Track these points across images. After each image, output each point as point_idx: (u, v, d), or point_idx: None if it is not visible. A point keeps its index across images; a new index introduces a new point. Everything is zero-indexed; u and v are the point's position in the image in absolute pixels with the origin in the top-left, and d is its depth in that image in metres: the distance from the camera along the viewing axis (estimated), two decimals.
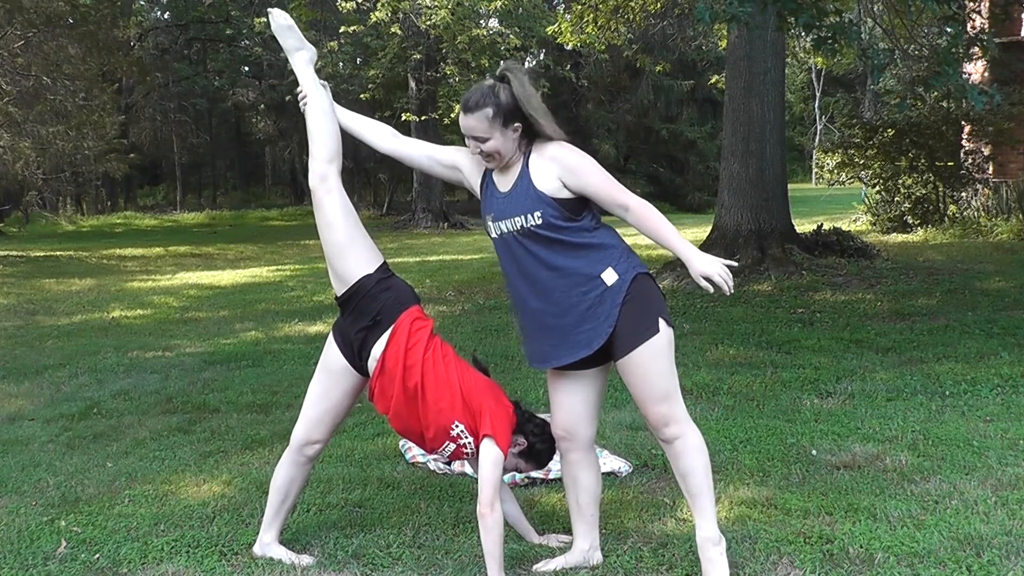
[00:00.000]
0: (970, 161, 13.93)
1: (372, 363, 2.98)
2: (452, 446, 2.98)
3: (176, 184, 34.37)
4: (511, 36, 19.57)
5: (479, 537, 2.88)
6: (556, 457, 3.16)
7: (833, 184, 15.79)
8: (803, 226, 11.36)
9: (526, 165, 2.86)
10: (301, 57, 3.22)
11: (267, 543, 3.17)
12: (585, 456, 3.03)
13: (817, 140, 36.56)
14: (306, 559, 3.12)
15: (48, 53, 16.44)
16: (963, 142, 14.03)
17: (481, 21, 20.02)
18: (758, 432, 4.42)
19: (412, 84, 21.54)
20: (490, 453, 2.89)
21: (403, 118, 20.00)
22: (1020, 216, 12.68)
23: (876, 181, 14.27)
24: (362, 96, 20.43)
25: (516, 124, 2.83)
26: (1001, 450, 4.06)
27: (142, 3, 30.62)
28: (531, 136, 2.87)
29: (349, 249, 3.04)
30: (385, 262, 3.09)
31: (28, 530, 3.44)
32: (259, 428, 4.84)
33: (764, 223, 9.84)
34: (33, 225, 23.36)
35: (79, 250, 17.39)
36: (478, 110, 2.81)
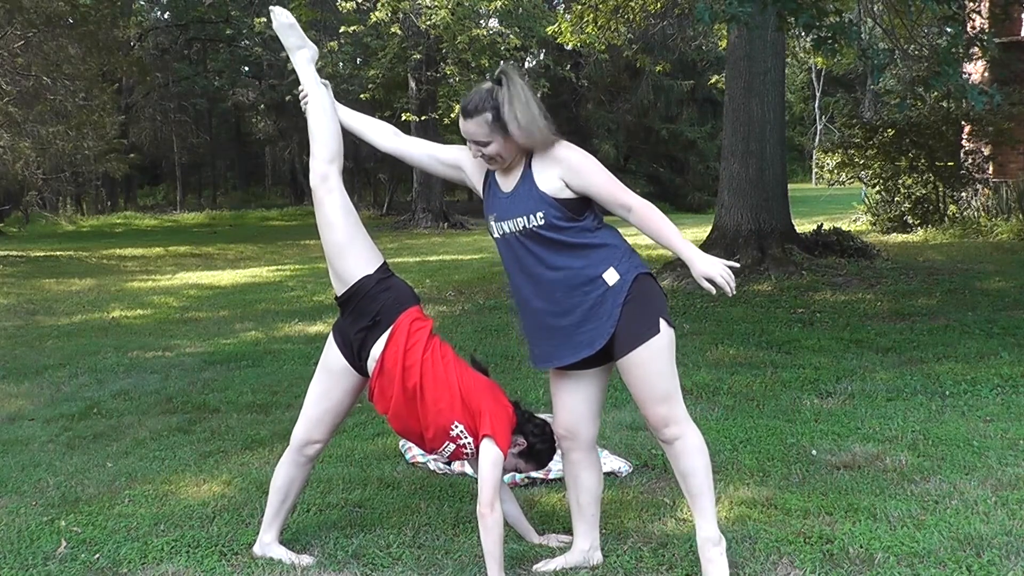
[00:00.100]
0: (970, 161, 13.93)
1: (371, 363, 2.99)
2: (452, 446, 2.98)
3: (176, 184, 34.37)
4: (511, 36, 19.57)
5: (479, 537, 2.88)
6: (556, 457, 3.16)
7: (833, 184, 15.79)
8: (803, 226, 11.36)
9: (528, 165, 2.85)
10: (302, 56, 3.22)
11: (267, 543, 3.17)
12: (587, 456, 3.03)
13: (817, 140, 36.57)
14: (306, 559, 3.12)
15: (48, 53, 16.44)
16: (963, 142, 14.03)
17: (481, 21, 20.03)
18: (758, 432, 4.42)
19: (412, 84, 21.55)
20: (490, 453, 2.89)
21: (403, 118, 20.00)
22: (1020, 216, 12.68)
23: (876, 181, 14.27)
24: (362, 96, 20.44)
25: None
26: (1001, 450, 4.06)
27: (142, 3, 30.63)
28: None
29: (349, 249, 3.04)
30: (385, 262, 3.09)
31: (28, 530, 3.44)
32: (259, 428, 4.84)
33: (764, 223, 9.84)
34: (33, 225, 23.36)
35: (79, 250, 17.39)
36: (477, 115, 2.80)
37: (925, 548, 3.04)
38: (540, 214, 2.80)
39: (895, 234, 13.46)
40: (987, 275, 9.25)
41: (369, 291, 3.00)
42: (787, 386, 5.37)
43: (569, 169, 2.81)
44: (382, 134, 3.20)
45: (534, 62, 27.32)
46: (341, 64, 22.62)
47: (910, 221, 13.75)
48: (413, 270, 11.90)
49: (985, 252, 11.01)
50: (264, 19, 19.30)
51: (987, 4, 12.61)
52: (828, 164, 15.06)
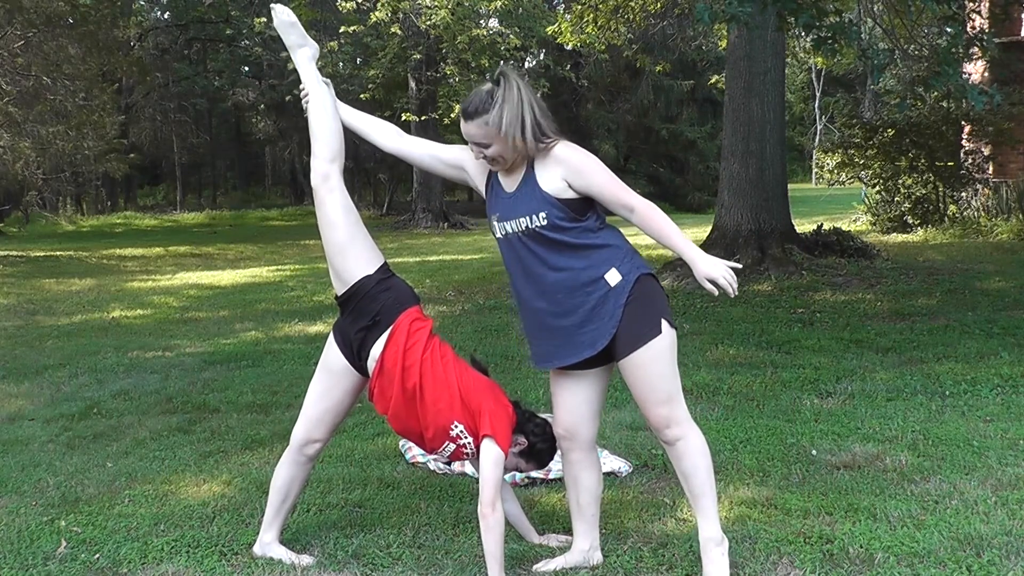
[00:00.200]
0: (970, 161, 13.93)
1: (371, 363, 2.99)
2: (452, 446, 2.98)
3: (176, 184, 34.37)
4: (511, 36, 19.57)
5: (479, 537, 2.88)
6: (556, 457, 3.16)
7: (833, 184, 15.79)
8: (803, 226, 11.36)
9: (531, 166, 2.85)
10: (304, 54, 3.21)
11: (267, 543, 3.17)
12: (586, 456, 3.03)
13: (817, 140, 36.57)
14: (306, 559, 3.12)
15: (48, 53, 16.44)
16: (963, 142, 14.03)
17: (481, 21, 20.03)
18: (758, 432, 4.42)
19: (412, 84, 21.55)
20: (490, 453, 2.89)
21: (403, 118, 20.01)
22: (1020, 216, 12.68)
23: (876, 181, 14.28)
24: (362, 96, 20.44)
25: None
26: (1001, 450, 4.06)
27: (142, 3, 30.62)
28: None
29: (350, 249, 3.04)
30: (385, 262, 3.09)
31: (28, 530, 3.44)
32: (259, 428, 4.84)
33: (764, 223, 9.84)
34: (33, 225, 23.36)
35: (79, 250, 17.39)
36: (477, 117, 2.80)
37: (925, 548, 3.04)
38: (543, 214, 2.79)
39: (895, 234, 13.46)
40: (987, 275, 9.25)
41: (369, 291, 3.00)
42: (787, 386, 5.37)
43: (571, 169, 2.80)
44: (385, 134, 3.19)
45: (534, 62, 27.32)
46: (341, 64, 22.63)
47: (910, 221, 13.75)
48: (413, 270, 11.90)
49: (985, 252, 11.01)
50: (264, 19, 19.30)
51: (987, 4, 12.62)
52: (828, 164, 15.06)
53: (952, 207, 13.68)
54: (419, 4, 18.07)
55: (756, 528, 3.25)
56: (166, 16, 32.45)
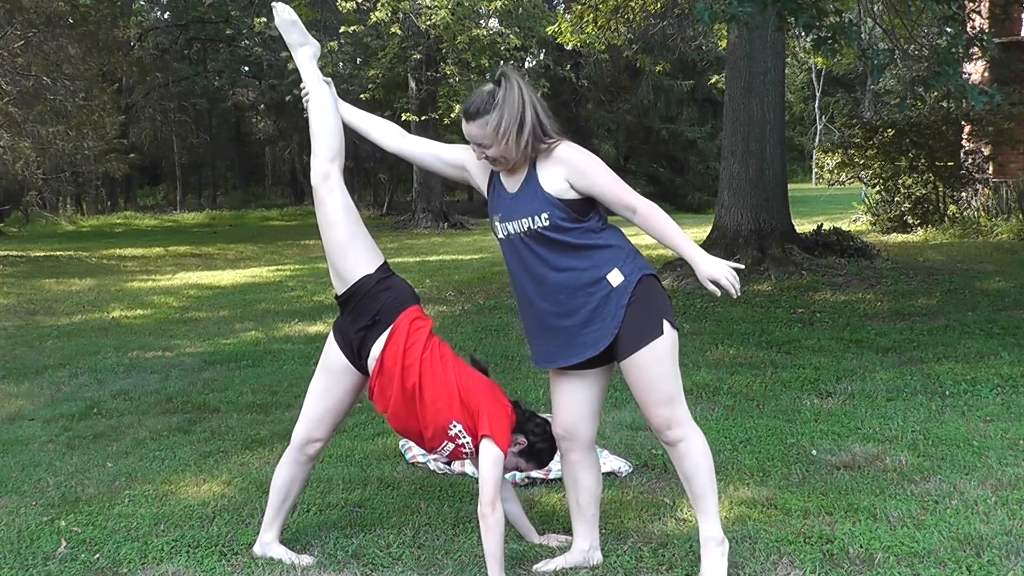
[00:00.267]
0: (970, 161, 13.93)
1: (371, 362, 2.99)
2: (451, 446, 2.99)
3: (176, 184, 34.37)
4: (511, 36, 19.57)
5: (479, 537, 2.88)
6: (557, 457, 3.16)
7: (833, 184, 15.80)
8: (803, 226, 11.36)
9: (533, 166, 2.85)
10: (304, 53, 3.20)
11: (267, 543, 3.17)
12: (586, 456, 3.03)
13: (817, 140, 36.57)
14: (306, 559, 3.12)
15: (48, 53, 16.44)
16: (963, 142, 14.03)
17: (481, 21, 20.02)
18: (758, 432, 4.42)
19: (412, 84, 21.55)
20: (489, 453, 2.89)
21: (403, 118, 20.01)
22: (1020, 216, 12.68)
23: (876, 181, 14.28)
24: (362, 96, 20.44)
25: None
26: (1001, 450, 4.06)
27: (142, 3, 30.62)
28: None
29: (350, 248, 3.04)
30: (386, 262, 3.09)
31: (28, 530, 3.44)
32: (259, 428, 4.84)
33: (764, 223, 9.84)
34: (33, 225, 23.36)
35: (79, 250, 17.39)
36: (479, 117, 2.79)
37: (925, 548, 3.04)
38: (545, 215, 2.79)
39: (895, 234, 13.46)
40: (987, 275, 9.25)
41: (369, 290, 3.00)
42: (787, 386, 5.37)
43: (574, 170, 2.80)
44: (387, 133, 3.18)
45: (534, 62, 27.32)
46: (341, 64, 22.61)
47: (910, 221, 13.75)
48: (413, 270, 11.90)
49: (985, 252, 11.01)
50: (264, 19, 19.32)
51: (987, 4, 12.62)
52: (828, 164, 15.06)
53: (952, 207, 13.68)
54: (419, 4, 18.07)
55: (756, 528, 3.25)
56: (166, 16, 32.44)
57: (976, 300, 7.89)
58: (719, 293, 2.76)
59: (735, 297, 2.76)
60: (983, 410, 4.75)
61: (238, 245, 18.37)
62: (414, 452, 4.11)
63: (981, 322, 6.90)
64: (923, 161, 13.43)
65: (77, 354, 7.04)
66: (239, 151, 37.30)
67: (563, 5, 23.27)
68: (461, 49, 18.88)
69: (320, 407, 3.11)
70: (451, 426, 2.94)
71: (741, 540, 3.15)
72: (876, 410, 4.81)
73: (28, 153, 16.80)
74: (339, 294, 3.06)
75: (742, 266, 2.85)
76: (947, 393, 5.09)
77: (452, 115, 20.55)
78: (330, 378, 3.09)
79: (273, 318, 8.54)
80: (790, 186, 11.31)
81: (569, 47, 19.82)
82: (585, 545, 3.06)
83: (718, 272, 2.73)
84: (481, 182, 3.01)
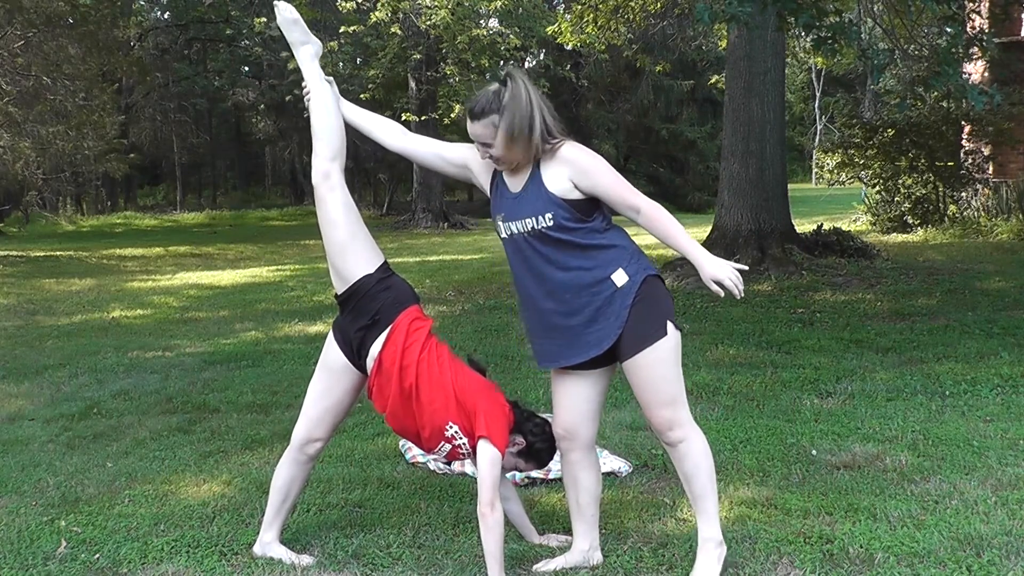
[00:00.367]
0: (970, 161, 13.93)
1: (370, 362, 2.99)
2: (448, 447, 2.99)
3: (176, 184, 34.36)
4: (511, 36, 19.57)
5: (479, 537, 2.88)
6: (556, 457, 3.16)
7: (833, 184, 15.79)
8: (803, 226, 11.36)
9: (537, 166, 2.84)
10: (306, 51, 3.20)
11: (267, 543, 3.17)
12: (586, 456, 3.03)
13: (817, 140, 36.56)
14: (306, 559, 3.12)
15: (48, 53, 16.43)
16: (963, 142, 14.03)
17: (481, 21, 20.02)
18: (758, 432, 4.42)
19: (412, 84, 21.55)
20: (487, 453, 2.89)
21: (403, 118, 20.00)
22: (1020, 216, 12.68)
23: (876, 181, 14.27)
24: (362, 96, 20.44)
25: None
26: (1001, 450, 4.06)
27: (142, 3, 30.61)
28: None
29: (350, 247, 3.04)
30: (386, 261, 3.09)
31: (28, 530, 3.44)
32: (259, 428, 4.84)
33: (764, 223, 9.84)
34: (33, 225, 23.35)
35: (79, 250, 17.39)
36: (484, 117, 2.79)
37: (925, 548, 3.04)
38: (549, 215, 2.79)
39: (895, 234, 13.46)
40: (987, 275, 9.25)
41: (369, 290, 2.99)
42: (787, 386, 5.37)
43: (578, 170, 2.80)
44: (389, 133, 3.17)
45: (534, 62, 27.32)
46: (341, 64, 22.61)
47: (910, 221, 13.74)
48: (413, 270, 11.90)
49: (985, 252, 11.01)
50: (264, 19, 19.32)
51: (987, 4, 12.61)
52: (828, 164, 15.06)
53: (952, 207, 13.67)
54: (419, 4, 18.06)
55: (756, 528, 3.25)
56: (166, 16, 32.43)
57: (976, 300, 7.89)
58: (723, 294, 2.75)
59: (738, 298, 2.76)
60: (983, 410, 4.75)
61: (238, 245, 18.37)
62: (414, 452, 4.11)
63: (981, 322, 6.90)
64: (923, 161, 13.43)
65: (77, 354, 7.04)
66: (239, 151, 37.29)
67: (563, 5, 23.27)
68: (461, 49, 18.87)
69: (320, 407, 3.11)
70: (447, 427, 2.94)
71: (741, 540, 3.15)
72: (876, 410, 4.81)
73: (28, 153, 16.80)
74: (339, 293, 3.06)
75: (745, 267, 2.84)
76: (947, 393, 5.09)
77: (452, 115, 20.56)
78: (330, 377, 3.09)
79: (273, 318, 8.54)
80: (790, 186, 11.31)
81: (569, 47, 19.83)
82: (585, 545, 3.06)
83: (721, 273, 2.73)
84: (484, 181, 3.01)
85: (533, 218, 2.81)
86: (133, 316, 9.04)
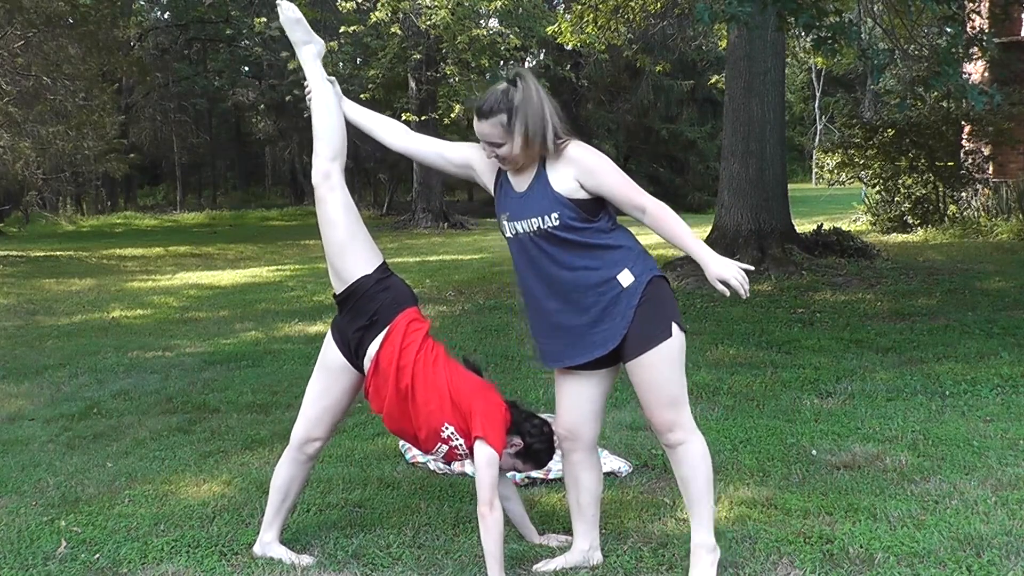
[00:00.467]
0: (970, 161, 13.93)
1: (367, 362, 2.98)
2: (444, 447, 2.99)
3: (176, 184, 34.36)
4: (511, 36, 19.57)
5: (479, 537, 2.88)
6: (556, 457, 3.16)
7: (833, 184, 15.80)
8: (803, 226, 11.36)
9: (543, 165, 2.84)
10: (309, 51, 3.19)
11: (267, 543, 3.17)
12: (587, 456, 3.03)
13: (817, 140, 36.56)
14: (306, 559, 3.12)
15: (48, 53, 16.43)
16: (963, 142, 14.03)
17: (481, 21, 20.02)
18: (758, 432, 4.42)
19: (412, 84, 21.55)
20: (483, 453, 2.88)
21: (403, 118, 19.99)
22: (1020, 216, 12.68)
23: (876, 181, 14.27)
24: (362, 96, 20.43)
25: None
26: (1001, 450, 4.06)
27: (142, 3, 30.60)
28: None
29: (349, 248, 3.04)
30: (384, 262, 3.09)
31: (28, 530, 3.44)
32: (259, 428, 4.84)
33: (764, 223, 9.84)
34: (33, 225, 23.35)
35: (79, 250, 17.39)
36: (492, 116, 2.78)
37: (925, 548, 3.04)
38: (555, 215, 2.78)
39: (895, 234, 13.46)
40: (987, 275, 9.25)
41: (368, 291, 2.99)
42: (787, 386, 5.37)
43: (583, 170, 2.79)
44: (393, 132, 3.16)
45: (534, 62, 27.32)
46: (341, 64, 22.61)
47: (910, 221, 13.74)
48: (413, 270, 11.90)
49: (985, 252, 11.01)
50: (264, 19, 19.31)
51: (987, 4, 12.61)
52: (828, 164, 15.06)
53: (952, 207, 13.67)
54: (419, 4, 18.06)
55: (756, 528, 3.25)
56: (166, 16, 32.43)
57: (976, 300, 7.89)
58: (728, 293, 2.75)
59: (744, 297, 2.76)
60: (983, 410, 4.75)
61: (238, 245, 18.37)
62: (414, 452, 4.11)
63: (981, 322, 6.90)
64: (923, 161, 13.43)
65: (77, 354, 7.04)
66: (239, 151, 37.29)
67: (563, 5, 23.27)
68: (461, 49, 18.87)
69: (319, 406, 3.11)
70: (443, 428, 2.94)
71: (741, 540, 3.15)
72: (876, 410, 4.81)
73: (28, 153, 16.80)
74: (337, 293, 3.06)
75: (751, 267, 2.83)
76: (947, 393, 5.09)
77: (452, 115, 20.56)
78: (328, 377, 3.09)
79: (273, 318, 8.54)
80: (790, 186, 11.31)
81: (569, 47, 19.83)
82: (585, 545, 3.06)
83: (727, 272, 2.72)
84: (488, 181, 3.00)
85: (539, 218, 2.80)
86: (133, 316, 9.04)
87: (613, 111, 29.28)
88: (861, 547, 3.06)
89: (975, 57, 11.13)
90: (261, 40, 23.97)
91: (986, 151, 14.05)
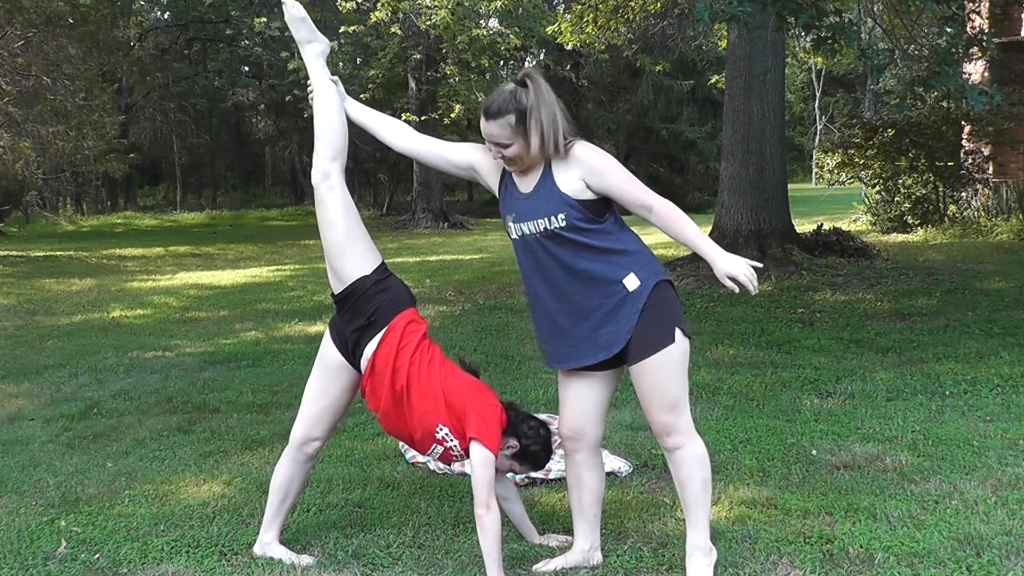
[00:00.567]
0: (970, 161, 13.93)
1: (364, 362, 2.98)
2: (440, 448, 2.99)
3: (176, 184, 34.38)
4: (511, 36, 19.56)
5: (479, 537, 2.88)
6: (556, 457, 3.16)
7: (833, 184, 15.79)
8: (803, 226, 11.36)
9: (548, 166, 2.83)
10: (312, 49, 3.19)
11: (267, 543, 3.17)
12: (591, 456, 3.03)
13: (817, 140, 36.53)
14: (306, 559, 3.12)
15: (48, 53, 16.43)
16: (963, 142, 14.02)
17: (481, 21, 20.02)
18: (758, 432, 4.42)
19: (412, 84, 21.55)
20: (478, 454, 2.88)
21: (403, 118, 19.97)
22: (1020, 216, 12.68)
23: (876, 181, 14.27)
24: (362, 96, 20.42)
25: None
26: (1001, 450, 4.06)
27: (142, 3, 30.60)
28: None
29: (348, 248, 3.04)
30: (383, 262, 3.09)
31: (28, 530, 3.44)
32: (259, 428, 4.84)
33: (764, 223, 9.84)
34: (33, 225, 23.36)
35: (79, 250, 17.39)
36: (500, 117, 2.77)
37: (925, 548, 3.04)
38: (562, 216, 2.78)
39: (895, 234, 13.46)
40: (987, 275, 9.25)
41: (366, 291, 2.99)
42: (787, 386, 5.37)
43: (590, 170, 2.79)
44: (396, 133, 3.15)
45: (534, 62, 27.31)
46: (341, 64, 22.61)
47: (910, 221, 13.74)
48: (413, 270, 11.90)
49: (985, 252, 11.01)
50: (264, 19, 19.31)
51: (987, 4, 12.61)
52: (828, 164, 15.06)
53: (952, 207, 13.67)
54: (419, 4, 18.06)
55: (756, 528, 3.25)
56: (166, 16, 32.44)
57: (976, 300, 7.89)
58: (737, 290, 2.75)
59: (753, 294, 2.75)
60: (983, 410, 4.75)
61: (238, 245, 18.37)
62: (414, 452, 4.11)
63: (981, 322, 6.90)
64: (923, 161, 13.43)
65: (77, 354, 7.04)
66: (239, 151, 37.29)
67: (563, 5, 23.27)
68: (461, 49, 18.87)
69: (318, 405, 3.11)
70: (437, 429, 2.94)
71: (741, 540, 3.15)
72: (876, 410, 4.81)
73: (28, 153, 16.80)
74: (335, 293, 3.06)
75: (760, 264, 2.83)
76: (947, 393, 5.09)
77: (452, 115, 20.55)
78: (327, 376, 3.09)
79: (273, 318, 8.54)
80: (790, 186, 11.31)
81: (569, 47, 19.79)
82: (586, 545, 3.06)
83: (736, 269, 2.72)
84: (492, 182, 2.99)
85: (546, 219, 2.80)
86: (133, 316, 9.04)
87: (613, 111, 29.27)
88: (861, 547, 3.06)
89: (975, 57, 11.12)
90: (261, 40, 23.98)
91: (986, 151, 14.04)
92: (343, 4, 18.49)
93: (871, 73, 6.56)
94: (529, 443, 3.05)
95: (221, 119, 36.44)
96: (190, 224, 26.49)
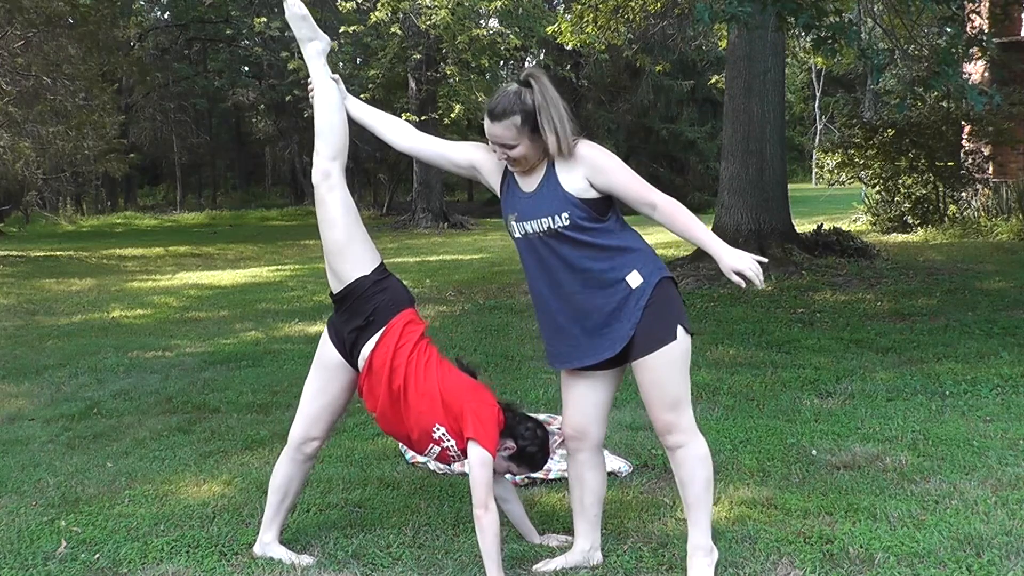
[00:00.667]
0: (970, 161, 13.93)
1: (361, 362, 2.98)
2: (437, 448, 2.99)
3: (176, 184, 34.38)
4: (511, 36, 19.57)
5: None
6: (555, 457, 3.16)
7: (833, 184, 15.79)
8: (803, 226, 11.36)
9: (551, 165, 2.83)
10: (313, 47, 3.18)
11: (267, 543, 3.17)
12: (593, 456, 3.03)
13: (817, 140, 36.52)
14: (306, 559, 3.12)
15: (48, 53, 16.43)
16: (963, 142, 14.02)
17: (481, 21, 20.02)
18: (758, 432, 4.42)
19: (412, 84, 21.55)
20: (476, 454, 2.88)
21: (403, 118, 19.88)
22: (1020, 216, 12.68)
23: (876, 181, 14.27)
24: (362, 96, 20.41)
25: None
26: (1001, 450, 4.06)
27: (142, 3, 30.61)
28: None
29: (348, 248, 3.03)
30: (382, 263, 3.09)
31: (28, 530, 3.44)
32: (259, 428, 4.84)
33: (764, 223, 9.85)
34: (33, 225, 23.36)
35: (79, 250, 17.39)
36: (505, 118, 2.76)
37: (925, 548, 3.04)
38: (565, 215, 2.78)
39: (895, 234, 13.46)
40: (987, 275, 9.25)
41: (365, 291, 2.99)
42: (787, 386, 5.37)
43: (593, 168, 2.79)
44: (397, 131, 3.14)
45: (534, 62, 27.31)
46: (341, 64, 22.61)
47: (910, 221, 13.74)
48: (413, 270, 11.90)
49: (985, 252, 11.01)
50: (264, 19, 19.31)
51: (987, 4, 12.61)
52: (828, 164, 15.06)
53: (952, 207, 13.67)
54: (419, 4, 18.06)
55: (756, 528, 3.25)
56: (166, 16, 32.45)
57: (976, 300, 7.89)
58: (744, 285, 2.75)
59: (759, 288, 2.76)
60: (983, 410, 4.75)
61: (238, 245, 18.37)
62: (414, 452, 4.11)
63: (981, 322, 6.90)
64: (923, 161, 13.43)
65: (77, 354, 7.04)
66: (239, 151, 37.30)
67: (563, 5, 23.28)
68: (461, 49, 18.88)
69: (316, 404, 3.11)
70: (434, 429, 2.94)
71: (741, 540, 3.15)
72: (876, 410, 4.81)
73: (28, 153, 16.80)
74: (334, 292, 3.06)
75: (765, 260, 2.83)
76: (947, 393, 5.09)
77: (452, 115, 20.54)
78: (325, 375, 3.09)
79: (273, 318, 8.54)
80: (790, 186, 11.31)
81: (569, 47, 19.79)
82: (586, 545, 3.06)
83: (741, 263, 2.72)
84: (494, 181, 2.99)
85: (549, 218, 2.80)
86: (133, 316, 9.04)
87: (613, 111, 29.26)
88: (861, 547, 3.06)
89: (975, 57, 11.14)
90: (261, 40, 23.98)
91: (986, 151, 14.04)
92: (343, 4, 18.49)
93: (871, 73, 6.56)
94: (526, 444, 3.04)
95: (221, 119, 36.45)
96: (190, 224, 26.49)
